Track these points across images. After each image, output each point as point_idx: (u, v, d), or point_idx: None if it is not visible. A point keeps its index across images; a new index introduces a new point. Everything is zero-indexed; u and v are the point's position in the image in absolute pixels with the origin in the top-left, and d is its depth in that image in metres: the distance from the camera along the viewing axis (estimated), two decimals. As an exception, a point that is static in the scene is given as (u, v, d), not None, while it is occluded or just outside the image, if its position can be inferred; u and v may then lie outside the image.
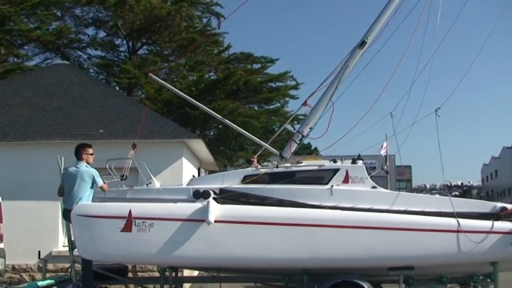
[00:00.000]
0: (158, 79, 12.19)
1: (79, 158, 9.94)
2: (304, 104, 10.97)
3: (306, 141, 11.25)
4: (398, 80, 10.89)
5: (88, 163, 9.94)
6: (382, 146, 12.31)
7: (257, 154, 12.01)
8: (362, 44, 10.49)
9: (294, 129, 10.86)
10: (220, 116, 12.05)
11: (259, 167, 10.45)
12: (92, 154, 10.05)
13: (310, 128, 10.58)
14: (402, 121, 10.41)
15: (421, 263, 9.04)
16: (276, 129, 23.38)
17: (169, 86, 12.58)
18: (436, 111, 10.22)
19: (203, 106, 11.93)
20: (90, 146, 10.16)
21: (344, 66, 10.48)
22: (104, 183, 9.75)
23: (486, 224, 8.96)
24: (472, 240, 8.81)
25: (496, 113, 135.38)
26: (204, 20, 30.61)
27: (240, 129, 11.78)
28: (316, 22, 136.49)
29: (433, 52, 10.73)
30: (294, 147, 10.48)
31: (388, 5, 10.58)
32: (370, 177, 9.75)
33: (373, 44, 10.65)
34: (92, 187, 9.72)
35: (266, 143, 11.29)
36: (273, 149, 11.02)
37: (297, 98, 28.79)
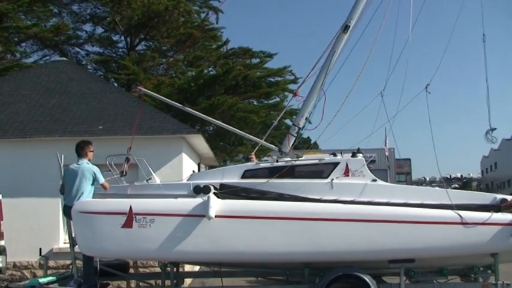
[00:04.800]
0: (148, 91, 12.26)
1: (82, 155, 9.92)
2: (295, 95, 10.99)
3: (305, 135, 11.26)
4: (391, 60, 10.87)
5: (89, 160, 9.95)
6: (384, 142, 12.32)
7: (254, 151, 12.03)
8: (345, 28, 10.47)
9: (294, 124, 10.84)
10: (210, 118, 12.11)
11: (258, 162, 10.46)
12: (92, 151, 10.07)
13: (306, 119, 10.57)
14: (397, 103, 10.48)
15: (421, 256, 9.06)
16: (276, 124, 23.38)
17: (160, 96, 12.56)
18: (426, 87, 10.25)
19: (193, 111, 11.96)
20: (91, 143, 10.18)
21: (331, 52, 10.46)
22: (106, 180, 9.76)
23: (486, 215, 8.97)
24: (473, 232, 8.83)
25: (495, 106, 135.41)
26: (202, 15, 30.59)
27: (231, 128, 11.79)
28: (314, 15, 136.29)
29: (410, 29, 10.75)
30: (292, 140, 10.47)
31: None
32: (370, 171, 9.76)
33: (364, 28, 10.68)
34: (92, 184, 9.72)
35: (266, 137, 11.30)
36: (270, 145, 11.04)
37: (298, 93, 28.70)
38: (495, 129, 10.00)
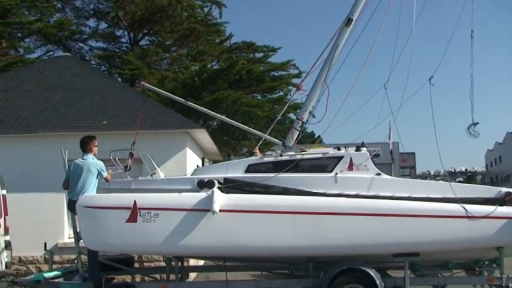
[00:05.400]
0: (150, 86, 12.24)
1: (87, 150, 9.92)
2: (298, 88, 10.97)
3: (309, 130, 11.24)
4: (394, 52, 10.84)
5: (94, 155, 9.97)
6: (389, 136, 12.31)
7: (258, 145, 12.03)
8: (348, 21, 10.43)
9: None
10: (212, 112, 12.09)
11: (262, 156, 10.45)
12: (97, 146, 10.09)
13: (310, 113, 10.55)
14: (401, 97, 10.44)
15: (426, 249, 9.03)
16: (280, 118, 23.38)
17: (162, 91, 12.50)
18: (429, 79, 10.22)
19: (196, 105, 11.94)
20: (95, 138, 10.19)
21: (334, 46, 10.44)
22: (108, 174, 9.79)
23: (491, 209, 8.94)
24: (477, 225, 8.80)
25: (500, 99, 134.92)
26: (205, 10, 30.58)
27: (234, 122, 11.78)
28: (318, 9, 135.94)
29: (414, 22, 10.69)
30: (295, 135, 10.46)
31: None
32: (375, 165, 9.74)
33: (367, 21, 10.65)
34: (97, 178, 9.74)
35: (270, 132, 11.29)
36: (274, 139, 11.02)
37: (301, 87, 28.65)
38: (477, 123, 10.00)
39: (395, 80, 10.74)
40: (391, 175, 11.07)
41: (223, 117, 12.26)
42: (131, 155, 9.92)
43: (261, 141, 11.67)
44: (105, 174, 9.72)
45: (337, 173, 9.48)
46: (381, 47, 10.84)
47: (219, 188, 9.08)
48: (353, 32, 10.57)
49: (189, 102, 11.81)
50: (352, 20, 10.37)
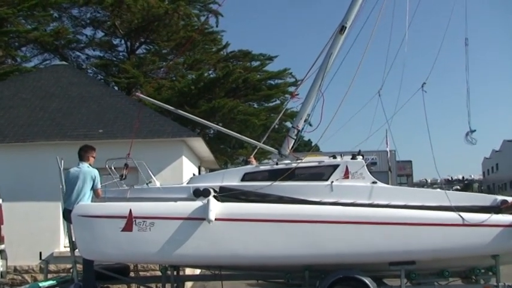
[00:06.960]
0: (145, 97, 12.21)
1: (84, 159, 9.96)
2: (292, 96, 11.00)
3: (306, 138, 11.30)
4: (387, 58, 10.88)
5: (89, 165, 9.98)
6: (386, 143, 12.33)
7: (253, 153, 12.03)
8: (342, 29, 10.46)
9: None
10: (206, 122, 12.17)
11: (258, 164, 10.45)
12: (94, 157, 10.11)
13: (306, 121, 10.58)
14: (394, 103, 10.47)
15: (422, 258, 9.04)
16: (276, 126, 23.37)
17: (156, 101, 12.52)
18: (422, 86, 10.26)
19: (189, 115, 11.95)
20: (95, 150, 10.22)
21: (328, 54, 10.45)
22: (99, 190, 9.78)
23: (486, 216, 8.95)
24: (473, 233, 8.81)
25: (496, 106, 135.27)
26: (202, 19, 30.60)
27: (228, 130, 11.79)
28: (315, 18, 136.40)
29: (407, 25, 10.73)
30: (291, 143, 10.47)
31: None
32: (371, 173, 9.75)
33: (360, 28, 10.69)
34: (92, 188, 9.73)
35: (267, 140, 11.28)
36: (269, 148, 11.02)
37: (296, 95, 28.70)
38: (475, 131, 10.09)
39: (391, 86, 10.78)
40: (388, 183, 11.06)
41: (215, 125, 12.26)
42: (126, 165, 9.91)
43: (256, 150, 11.66)
44: (99, 185, 9.71)
45: (333, 182, 9.49)
46: (375, 52, 10.88)
47: (214, 196, 9.08)
48: (347, 40, 10.62)
49: (181, 111, 11.78)
50: (345, 27, 10.40)
